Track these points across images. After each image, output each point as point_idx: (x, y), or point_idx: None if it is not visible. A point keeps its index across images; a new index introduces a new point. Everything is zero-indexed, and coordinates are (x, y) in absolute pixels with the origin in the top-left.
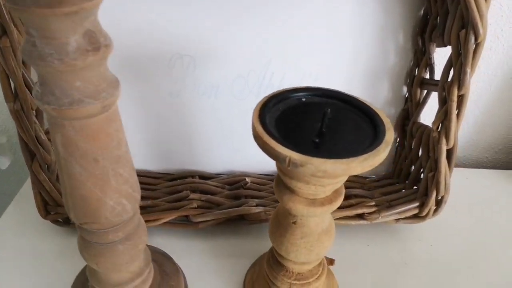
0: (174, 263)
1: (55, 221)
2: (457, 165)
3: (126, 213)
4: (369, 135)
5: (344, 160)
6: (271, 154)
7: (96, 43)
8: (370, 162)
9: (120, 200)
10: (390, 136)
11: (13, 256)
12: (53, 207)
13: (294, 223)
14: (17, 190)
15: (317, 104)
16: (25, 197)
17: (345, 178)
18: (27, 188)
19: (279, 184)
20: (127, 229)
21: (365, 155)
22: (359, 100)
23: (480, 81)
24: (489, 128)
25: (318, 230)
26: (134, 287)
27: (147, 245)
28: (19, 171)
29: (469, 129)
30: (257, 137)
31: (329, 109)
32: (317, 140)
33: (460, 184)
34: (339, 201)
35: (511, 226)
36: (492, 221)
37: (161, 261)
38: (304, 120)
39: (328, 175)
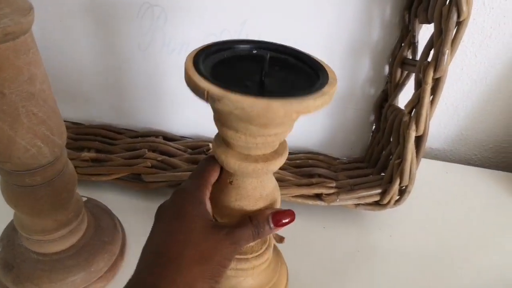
0: (113, 219)
1: None
2: (441, 159)
3: (43, 156)
4: (309, 86)
5: (264, 99)
6: (193, 88)
7: None
8: (294, 107)
9: (34, 142)
10: (328, 89)
11: None
12: None
13: (231, 182)
14: None
15: (263, 57)
16: None
17: (280, 133)
18: None
19: (217, 138)
20: (47, 175)
21: (290, 98)
22: (310, 57)
23: (476, 72)
24: (480, 124)
25: (255, 195)
26: (60, 236)
27: (89, 198)
28: None
29: (459, 122)
30: (185, 73)
31: (268, 55)
32: (248, 84)
33: (437, 178)
34: (277, 163)
35: (477, 227)
36: (460, 220)
37: (99, 216)
38: (245, 69)
39: (247, 114)
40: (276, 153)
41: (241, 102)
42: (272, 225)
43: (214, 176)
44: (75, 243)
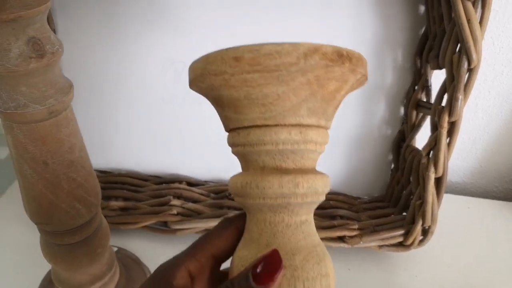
0: (143, 269)
1: None
2: (462, 192)
3: (80, 217)
4: None
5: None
6: (216, 69)
7: (41, 50)
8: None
9: (73, 204)
10: None
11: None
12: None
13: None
14: (12, 182)
15: None
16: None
17: None
18: None
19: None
20: (84, 233)
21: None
22: None
23: (490, 106)
24: (498, 156)
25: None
26: None
27: (119, 248)
28: None
29: (477, 155)
30: (195, 76)
31: None
32: None
33: (459, 214)
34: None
35: (503, 261)
36: (485, 256)
37: (130, 266)
38: None
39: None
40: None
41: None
42: (253, 283)
43: (217, 244)
44: None
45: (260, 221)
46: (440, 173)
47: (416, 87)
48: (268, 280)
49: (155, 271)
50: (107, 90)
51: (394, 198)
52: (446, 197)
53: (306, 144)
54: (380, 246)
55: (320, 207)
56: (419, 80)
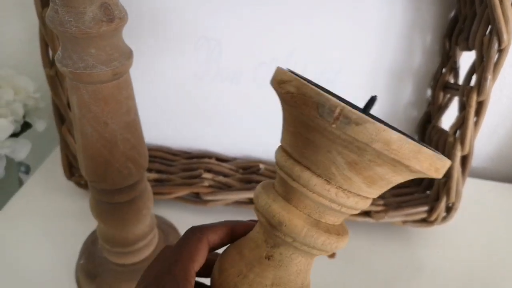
0: (179, 235)
1: (78, 183)
2: (483, 177)
3: (131, 177)
4: None
5: (413, 141)
6: (312, 101)
7: (111, 14)
8: (435, 164)
9: (126, 164)
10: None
11: (39, 212)
12: (77, 170)
13: (268, 258)
14: (51, 152)
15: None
16: (56, 159)
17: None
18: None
19: (268, 188)
20: (132, 193)
21: (434, 152)
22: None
23: None
24: None
25: (297, 283)
26: (138, 248)
27: (156, 215)
28: (53, 132)
29: (499, 140)
30: (286, 82)
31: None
32: None
33: (481, 196)
34: (346, 240)
35: None
36: (506, 237)
37: (167, 231)
38: None
39: (385, 153)
40: (343, 228)
41: (388, 133)
42: None
43: (201, 258)
44: (149, 255)
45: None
46: (466, 151)
47: (444, 69)
48: None
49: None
50: (140, 65)
51: (418, 179)
52: (468, 180)
53: (347, 209)
54: (404, 222)
55: None
56: (447, 62)
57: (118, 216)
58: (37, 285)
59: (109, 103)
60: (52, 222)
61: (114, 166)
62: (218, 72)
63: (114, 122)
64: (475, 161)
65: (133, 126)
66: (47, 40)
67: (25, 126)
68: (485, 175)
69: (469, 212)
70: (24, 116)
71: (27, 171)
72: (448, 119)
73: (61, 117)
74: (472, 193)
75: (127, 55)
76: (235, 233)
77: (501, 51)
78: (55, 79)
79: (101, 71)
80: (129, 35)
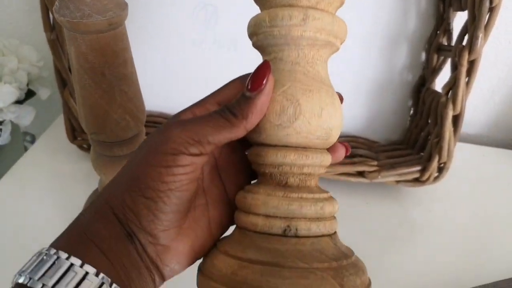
0: None
1: (81, 147)
2: (481, 144)
3: (129, 129)
4: None
5: None
6: None
7: None
8: None
9: (124, 116)
10: None
11: (43, 175)
12: (80, 133)
13: None
14: (54, 120)
15: None
16: (60, 125)
17: None
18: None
19: None
20: (131, 146)
21: None
22: None
23: (510, 58)
24: None
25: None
26: None
27: None
28: (57, 102)
29: (495, 107)
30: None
31: None
32: None
33: (474, 160)
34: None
35: None
36: (496, 197)
37: None
38: None
39: None
40: None
41: None
42: (248, 92)
43: (221, 94)
44: None
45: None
46: (458, 111)
47: (438, 32)
48: (259, 83)
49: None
50: (136, 32)
51: (412, 141)
52: (462, 146)
53: None
54: (397, 182)
55: None
56: (441, 24)
57: (118, 169)
58: (42, 244)
59: (105, 54)
60: (56, 184)
61: (112, 117)
62: (215, 38)
63: (111, 73)
64: (472, 129)
65: (130, 78)
66: (47, 4)
67: (29, 94)
68: (481, 141)
69: (462, 175)
70: (28, 84)
71: (32, 140)
72: (442, 82)
73: (63, 81)
74: (466, 157)
75: (122, 6)
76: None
77: (492, 10)
78: (56, 43)
79: (97, 20)
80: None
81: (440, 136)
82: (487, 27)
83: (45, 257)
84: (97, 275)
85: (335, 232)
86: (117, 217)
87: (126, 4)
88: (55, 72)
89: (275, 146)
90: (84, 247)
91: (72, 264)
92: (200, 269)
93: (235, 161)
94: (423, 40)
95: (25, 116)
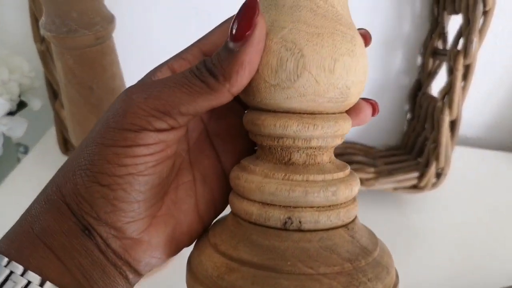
0: None
1: None
2: (477, 147)
3: None
4: None
5: None
6: None
7: None
8: None
9: None
10: None
11: (36, 187)
12: (72, 145)
13: None
14: (47, 131)
15: None
16: (52, 136)
17: None
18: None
19: None
20: None
21: None
22: None
23: (506, 58)
24: None
25: None
26: None
27: None
28: (51, 112)
29: (492, 109)
30: None
31: None
32: None
33: (473, 164)
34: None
35: None
36: (496, 202)
37: None
38: None
39: None
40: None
41: None
42: (230, 42)
43: (205, 40)
44: None
45: None
46: (454, 116)
47: (433, 35)
48: (244, 31)
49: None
50: (126, 41)
51: (409, 146)
52: (460, 150)
53: None
54: (395, 189)
55: (338, 154)
56: (436, 28)
57: None
58: None
59: (93, 68)
60: None
61: None
62: None
63: (99, 87)
64: (470, 131)
65: (119, 92)
66: (37, 15)
67: (21, 105)
68: (479, 144)
69: (461, 179)
70: (19, 95)
71: (26, 151)
72: (438, 86)
73: (54, 92)
74: (464, 161)
75: (109, 19)
76: None
77: (486, 13)
78: (46, 54)
79: (84, 35)
80: (118, 8)
81: (437, 142)
82: (482, 31)
83: None
84: (42, 284)
85: (353, 220)
86: (70, 208)
87: (113, 17)
88: (46, 84)
89: (274, 112)
90: (30, 247)
91: (11, 272)
92: (188, 262)
93: (231, 123)
94: (418, 44)
95: (17, 128)
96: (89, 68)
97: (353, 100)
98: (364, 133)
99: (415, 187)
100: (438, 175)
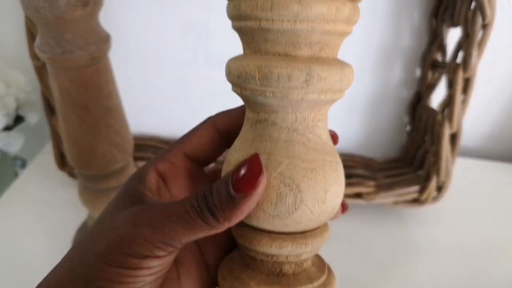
0: None
1: (70, 174)
2: (477, 156)
3: (116, 162)
4: None
5: None
6: None
7: None
8: None
9: (110, 149)
10: None
11: (33, 203)
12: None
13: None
14: (45, 144)
15: None
16: (49, 152)
17: None
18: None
19: None
20: (119, 179)
21: None
22: None
23: (506, 68)
24: None
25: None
26: None
27: None
28: (47, 129)
29: (492, 119)
30: None
31: None
32: None
33: (474, 176)
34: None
35: None
36: (498, 216)
37: None
38: None
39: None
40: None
41: None
42: (233, 191)
43: (188, 142)
44: None
45: (253, 120)
46: (454, 129)
47: (431, 48)
48: (248, 188)
49: (128, 178)
50: (127, 54)
51: (409, 158)
52: (461, 161)
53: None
54: (395, 203)
55: None
56: (435, 40)
57: (105, 202)
58: (31, 272)
59: (89, 88)
60: (46, 212)
61: (98, 151)
62: (206, 58)
63: (95, 107)
64: (470, 141)
65: (115, 111)
66: (33, 31)
67: (18, 120)
68: (480, 154)
69: (462, 192)
70: (16, 110)
71: (23, 165)
72: (438, 98)
73: (51, 108)
74: (465, 173)
75: (105, 39)
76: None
77: (485, 27)
78: (42, 71)
79: (79, 56)
80: (112, 21)
81: (437, 156)
82: (481, 44)
83: None
84: None
85: None
86: None
87: (108, 36)
88: (42, 99)
89: (268, 232)
90: None
91: None
92: None
93: None
94: (417, 56)
95: (14, 143)
96: (85, 88)
97: (337, 211)
98: (364, 145)
99: (415, 201)
100: (439, 189)
